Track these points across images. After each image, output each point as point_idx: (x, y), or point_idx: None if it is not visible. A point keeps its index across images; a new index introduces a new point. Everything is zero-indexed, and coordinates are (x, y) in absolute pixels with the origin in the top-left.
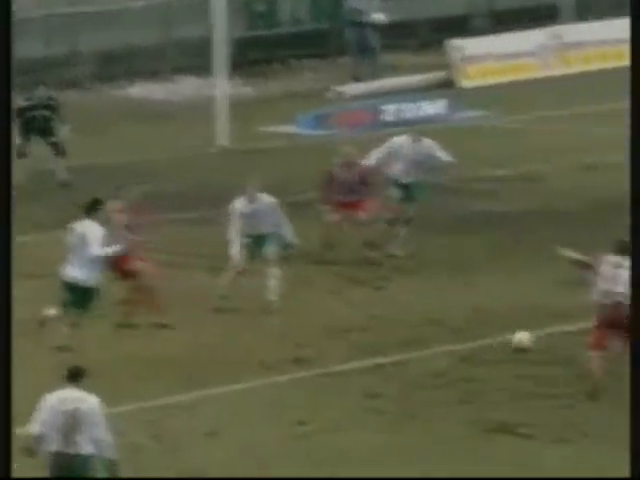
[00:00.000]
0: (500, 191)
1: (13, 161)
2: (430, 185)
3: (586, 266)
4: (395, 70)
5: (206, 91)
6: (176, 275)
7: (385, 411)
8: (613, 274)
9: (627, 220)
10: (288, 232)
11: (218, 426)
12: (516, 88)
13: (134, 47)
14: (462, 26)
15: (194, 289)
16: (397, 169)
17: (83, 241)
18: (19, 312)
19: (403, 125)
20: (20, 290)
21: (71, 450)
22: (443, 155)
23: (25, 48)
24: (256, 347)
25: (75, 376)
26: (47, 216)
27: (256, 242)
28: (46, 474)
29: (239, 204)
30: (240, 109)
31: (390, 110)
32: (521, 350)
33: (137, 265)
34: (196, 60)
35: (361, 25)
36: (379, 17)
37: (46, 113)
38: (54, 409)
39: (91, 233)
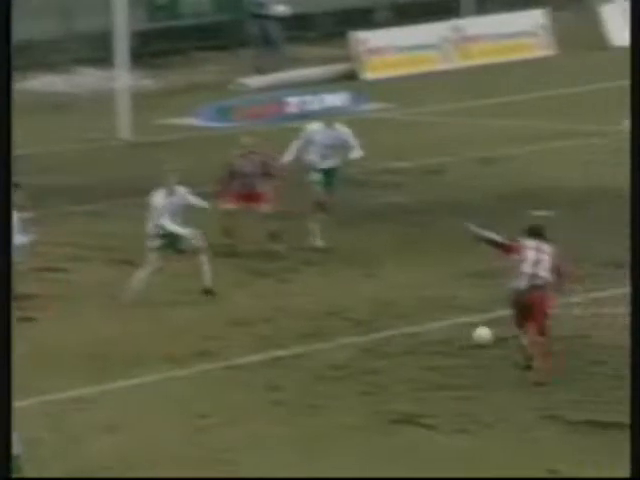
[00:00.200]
0: (403, 183)
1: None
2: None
3: (511, 249)
4: (298, 62)
5: (107, 83)
6: (80, 268)
7: (287, 403)
8: (537, 258)
9: (527, 211)
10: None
11: (119, 420)
12: (418, 80)
13: (34, 39)
14: (365, 18)
15: (98, 282)
16: (313, 156)
17: None
18: None
19: (306, 117)
20: None
21: None
22: (355, 146)
23: None
24: (159, 340)
25: None
26: None
27: (175, 235)
28: None
29: (158, 197)
30: (142, 101)
31: (293, 102)
32: (481, 346)
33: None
34: (97, 52)
35: (263, 17)
36: (281, 9)
37: None
38: None
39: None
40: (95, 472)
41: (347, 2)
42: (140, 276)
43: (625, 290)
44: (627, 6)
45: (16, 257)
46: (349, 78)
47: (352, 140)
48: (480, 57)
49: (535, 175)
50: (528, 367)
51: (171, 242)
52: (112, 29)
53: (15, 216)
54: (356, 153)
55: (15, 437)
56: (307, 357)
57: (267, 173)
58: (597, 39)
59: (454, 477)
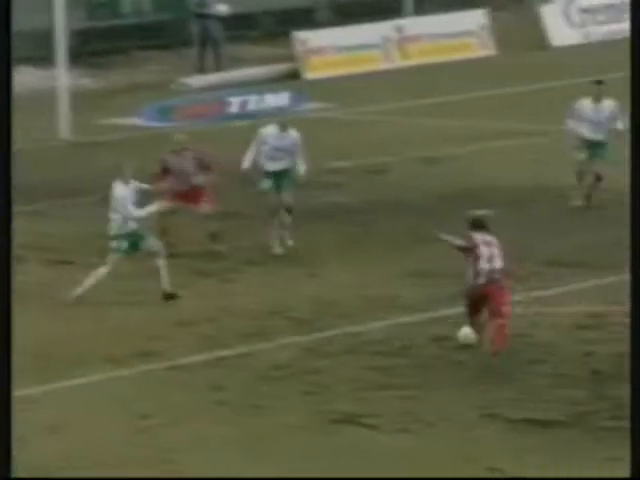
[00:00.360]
0: (345, 183)
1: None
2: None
3: (469, 250)
4: (240, 62)
5: (48, 83)
6: (20, 269)
7: (230, 403)
8: (490, 253)
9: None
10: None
11: (62, 420)
12: (360, 80)
13: None
14: (307, 18)
15: (38, 282)
16: (264, 158)
17: None
18: None
19: (248, 117)
20: None
21: None
22: (301, 160)
23: None
24: (103, 340)
25: None
26: None
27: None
28: None
29: (120, 188)
30: (83, 101)
31: (235, 102)
32: (468, 346)
33: None
34: (37, 51)
35: (205, 16)
36: (222, 8)
37: None
38: None
39: None
40: (38, 472)
41: (288, 2)
42: (98, 275)
43: (567, 289)
44: (566, 7)
45: None
46: (292, 78)
47: (301, 151)
48: (421, 57)
49: (477, 175)
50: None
51: (134, 242)
52: (51, 28)
53: None
54: (301, 167)
55: None
56: (250, 357)
57: (202, 170)
58: (537, 39)
59: (396, 477)
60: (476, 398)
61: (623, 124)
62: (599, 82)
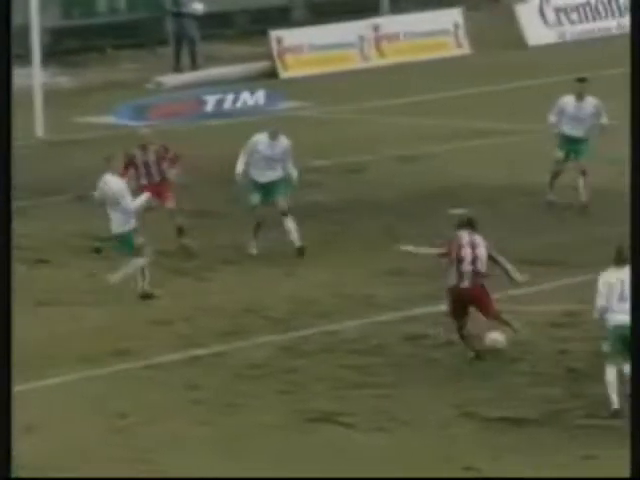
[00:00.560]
0: (322, 182)
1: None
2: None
3: (448, 253)
4: (216, 60)
5: (22, 81)
6: None
7: (206, 402)
8: (474, 255)
9: (445, 209)
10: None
11: (36, 421)
12: (336, 79)
13: None
14: (283, 17)
15: (14, 282)
16: (255, 169)
17: None
18: None
19: (224, 116)
20: None
21: None
22: (292, 167)
23: None
24: (77, 340)
25: None
26: None
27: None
28: None
29: (114, 181)
30: (58, 99)
31: (210, 101)
32: (496, 350)
33: None
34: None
35: (180, 15)
36: (198, 7)
37: None
38: None
39: None
40: (14, 472)
41: (264, 0)
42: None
43: (541, 287)
44: (541, 6)
45: None
46: (268, 76)
47: (290, 158)
48: (397, 55)
49: (452, 173)
50: (478, 357)
51: (131, 240)
52: (25, 26)
53: None
54: (294, 174)
55: None
56: (226, 356)
57: (166, 164)
58: (512, 38)
59: (372, 476)
60: (452, 397)
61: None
62: (582, 80)
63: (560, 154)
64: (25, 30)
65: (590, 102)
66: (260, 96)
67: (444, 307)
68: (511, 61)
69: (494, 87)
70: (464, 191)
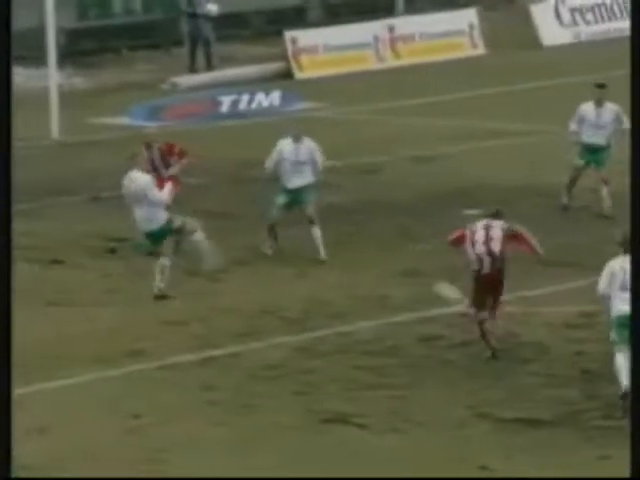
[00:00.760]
0: (337, 183)
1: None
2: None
3: (458, 240)
4: (231, 61)
5: (37, 82)
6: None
7: (220, 403)
8: (486, 235)
9: (459, 209)
10: None
11: (50, 422)
12: (351, 79)
13: None
14: (298, 17)
15: (27, 282)
16: (284, 173)
17: None
18: None
19: (239, 117)
20: None
21: None
22: (318, 156)
23: None
24: (92, 340)
25: None
26: None
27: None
28: None
29: (143, 177)
30: (73, 100)
31: (225, 101)
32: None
33: None
34: (27, 50)
35: (195, 16)
36: (213, 8)
37: None
38: None
39: None
40: (27, 473)
41: (279, 1)
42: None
43: (556, 288)
44: (557, 6)
45: None
46: (283, 77)
47: (318, 156)
48: (412, 56)
49: (468, 174)
50: (494, 356)
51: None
52: (41, 27)
53: None
54: (319, 160)
55: None
56: (241, 356)
57: (173, 159)
58: (527, 38)
59: (386, 477)
60: (466, 397)
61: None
62: (601, 85)
63: (580, 162)
64: (41, 31)
65: (610, 108)
66: (275, 97)
67: (459, 308)
68: (526, 61)
69: (509, 87)
70: (479, 192)
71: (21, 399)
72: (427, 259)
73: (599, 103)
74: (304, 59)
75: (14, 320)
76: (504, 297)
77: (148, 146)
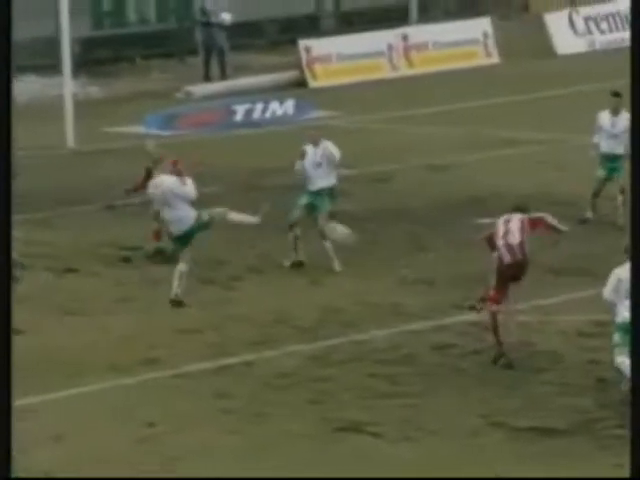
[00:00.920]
0: (350, 191)
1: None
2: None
3: (489, 238)
4: (245, 70)
5: (52, 91)
6: (24, 276)
7: (235, 411)
8: (505, 229)
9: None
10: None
11: (65, 429)
12: (365, 88)
13: None
14: (312, 26)
15: (41, 290)
16: (307, 175)
17: None
18: None
19: (253, 126)
20: None
21: None
22: (335, 152)
23: None
24: (106, 348)
25: None
26: None
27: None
28: None
29: (172, 180)
30: (88, 109)
31: (240, 110)
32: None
33: None
34: (42, 59)
35: (209, 25)
36: (226, 17)
37: None
38: None
39: None
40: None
41: (293, 10)
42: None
43: (570, 297)
44: (571, 15)
45: None
46: (297, 86)
47: (333, 150)
48: (426, 65)
49: (481, 183)
50: (497, 358)
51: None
52: (56, 36)
53: None
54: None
55: None
56: (255, 365)
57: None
58: (541, 47)
59: None
60: (480, 406)
61: None
62: (616, 94)
63: (602, 173)
64: (56, 40)
65: (626, 117)
66: (289, 106)
67: (472, 316)
68: (540, 70)
69: (523, 96)
70: (493, 200)
71: (37, 407)
72: (439, 267)
73: (615, 112)
74: (318, 68)
75: (29, 329)
76: (518, 306)
77: (157, 160)
